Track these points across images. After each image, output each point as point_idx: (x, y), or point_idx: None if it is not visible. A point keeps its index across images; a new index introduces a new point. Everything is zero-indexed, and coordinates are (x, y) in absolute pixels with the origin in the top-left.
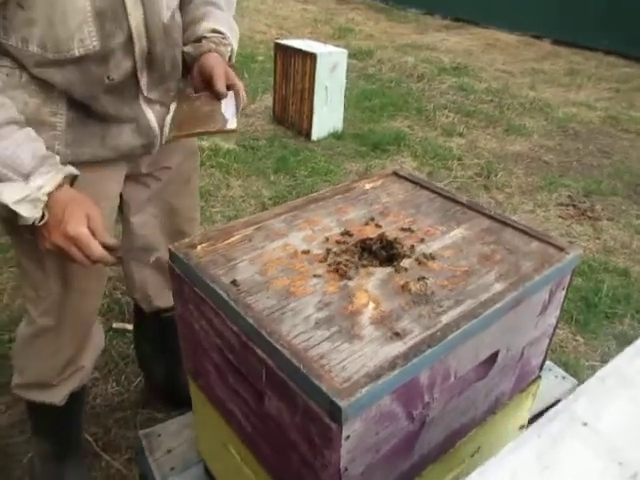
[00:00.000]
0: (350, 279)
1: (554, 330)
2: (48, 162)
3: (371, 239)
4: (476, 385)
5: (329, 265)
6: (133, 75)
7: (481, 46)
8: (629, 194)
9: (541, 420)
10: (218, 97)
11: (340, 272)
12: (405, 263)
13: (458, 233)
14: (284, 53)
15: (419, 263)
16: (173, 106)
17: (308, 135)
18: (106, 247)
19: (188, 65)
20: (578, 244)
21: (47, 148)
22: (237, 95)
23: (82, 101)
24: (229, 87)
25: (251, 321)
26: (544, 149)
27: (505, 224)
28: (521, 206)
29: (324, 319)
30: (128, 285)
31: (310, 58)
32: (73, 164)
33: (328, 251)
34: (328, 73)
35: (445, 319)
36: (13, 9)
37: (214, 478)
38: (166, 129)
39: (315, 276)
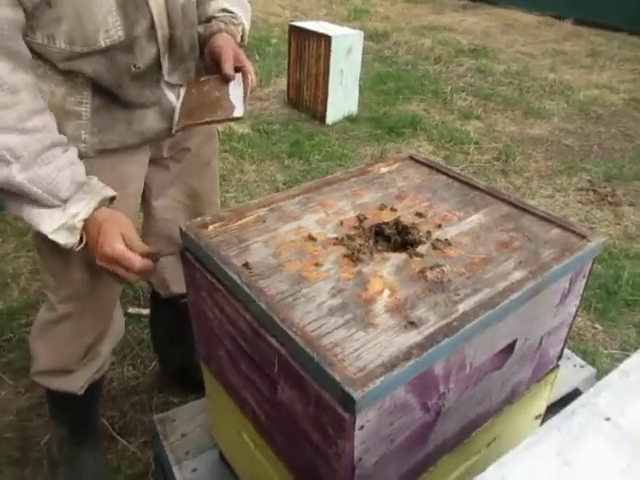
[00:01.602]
0: (364, 264)
1: (573, 319)
2: (83, 189)
3: (386, 223)
4: (493, 375)
5: (343, 250)
6: (156, 60)
7: (500, 27)
8: None
9: (562, 414)
10: (226, 79)
11: (354, 257)
12: (421, 249)
13: (476, 219)
14: (298, 35)
15: (435, 249)
16: (182, 90)
17: (323, 119)
18: (145, 255)
19: (200, 45)
20: (599, 231)
21: (74, 137)
22: (245, 77)
23: (108, 89)
24: (238, 69)
25: (263, 306)
26: (564, 132)
27: (524, 210)
28: (540, 191)
29: (338, 306)
30: None
31: (325, 40)
32: (101, 152)
33: (342, 235)
34: (343, 56)
35: (462, 308)
36: (41, 8)
37: (228, 463)
38: (175, 116)
39: (329, 261)
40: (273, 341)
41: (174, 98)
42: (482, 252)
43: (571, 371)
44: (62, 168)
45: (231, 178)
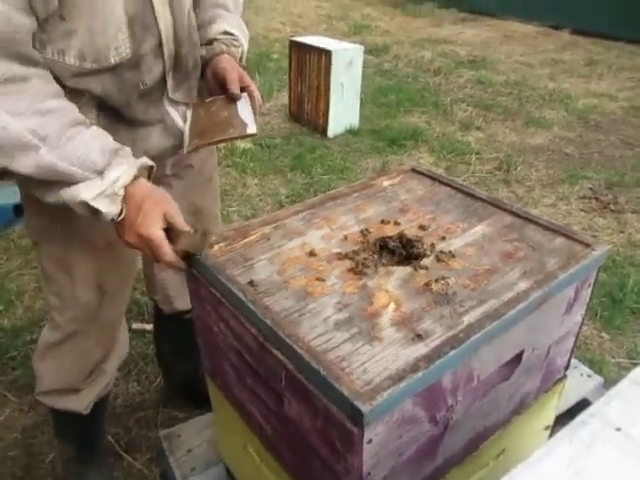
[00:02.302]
0: (369, 278)
1: (580, 328)
2: (120, 154)
3: (390, 237)
4: (501, 386)
5: (348, 264)
6: (162, 77)
7: (498, 38)
8: None
9: (572, 424)
10: (232, 99)
11: (359, 271)
12: (425, 262)
13: (479, 230)
14: (299, 50)
15: (440, 262)
16: (189, 113)
17: (324, 132)
18: (180, 254)
19: (201, 68)
20: (602, 239)
21: None
22: (252, 97)
23: (114, 107)
24: (243, 89)
25: (269, 323)
26: (565, 141)
27: (527, 220)
28: (542, 200)
29: (343, 320)
30: (148, 286)
31: (325, 55)
32: None
33: (346, 250)
34: (344, 69)
35: (467, 319)
36: (53, 21)
37: (235, 478)
38: (186, 138)
39: (333, 276)
40: (279, 354)
41: (177, 116)
42: (486, 263)
43: (579, 381)
44: (90, 141)
45: (234, 192)
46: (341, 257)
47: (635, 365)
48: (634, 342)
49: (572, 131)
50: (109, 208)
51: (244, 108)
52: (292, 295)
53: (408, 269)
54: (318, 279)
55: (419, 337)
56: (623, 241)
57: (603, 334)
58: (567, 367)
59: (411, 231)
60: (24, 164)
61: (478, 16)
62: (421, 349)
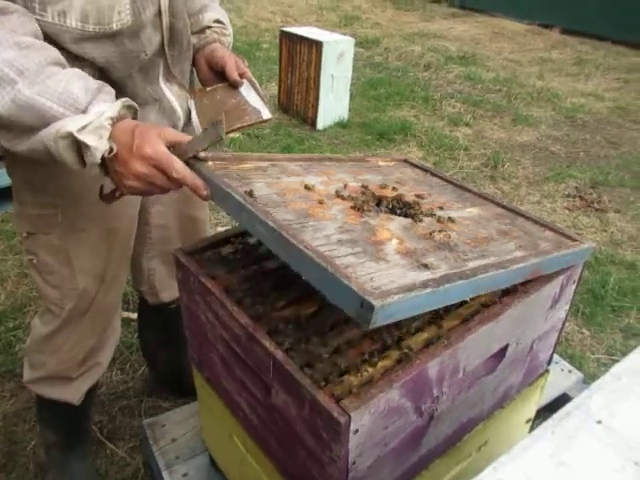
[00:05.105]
0: (371, 218)
1: (563, 324)
2: (104, 91)
3: (389, 197)
4: (485, 379)
5: (348, 204)
6: (160, 51)
7: (488, 35)
8: (637, 185)
9: (555, 417)
10: (235, 86)
11: (360, 209)
12: (425, 221)
13: (474, 211)
14: (290, 41)
15: (440, 222)
16: (192, 102)
17: (313, 124)
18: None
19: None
20: (586, 237)
21: None
22: (252, 82)
23: (117, 82)
24: (240, 76)
25: (271, 224)
26: (551, 139)
27: (517, 214)
28: (528, 197)
29: (346, 240)
30: (135, 277)
31: (316, 46)
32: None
33: (347, 193)
34: (334, 61)
35: (472, 265)
36: None
37: (219, 468)
38: (196, 126)
39: (335, 209)
40: (267, 344)
41: (172, 97)
42: (484, 233)
43: (559, 375)
44: (72, 78)
45: None
46: (341, 197)
47: (614, 361)
48: (613, 339)
49: (559, 130)
50: (96, 143)
51: (250, 94)
52: (292, 213)
53: (409, 220)
54: (319, 205)
55: (425, 266)
56: (605, 240)
57: (584, 330)
58: (550, 362)
59: (410, 197)
60: None
61: (469, 12)
62: (429, 275)
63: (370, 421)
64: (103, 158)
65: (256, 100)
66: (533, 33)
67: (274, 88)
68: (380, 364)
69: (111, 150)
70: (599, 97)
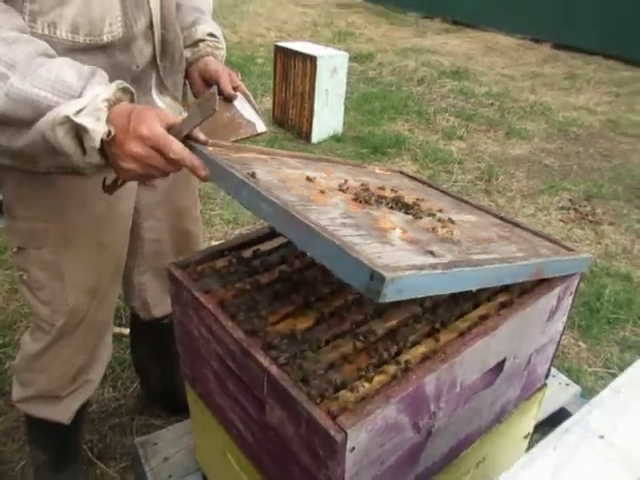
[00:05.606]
0: (373, 210)
1: (561, 337)
2: (97, 74)
3: (388, 197)
4: (483, 393)
5: (350, 196)
6: (152, 63)
7: (481, 49)
8: (630, 198)
9: (556, 432)
10: (229, 100)
11: (362, 201)
12: (425, 219)
13: (472, 218)
14: (284, 55)
15: (440, 221)
16: (185, 115)
17: (308, 137)
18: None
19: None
20: (581, 249)
21: None
22: (247, 95)
23: None
24: (234, 89)
25: (277, 202)
26: (545, 152)
27: (514, 225)
28: (522, 210)
29: (351, 224)
30: (127, 292)
31: (310, 61)
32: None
33: (347, 188)
34: (328, 76)
35: (477, 258)
36: None
37: None
38: (201, 109)
39: (337, 199)
40: (262, 359)
41: (164, 109)
42: (484, 235)
43: (557, 389)
44: (63, 65)
45: (216, 196)
46: (342, 190)
47: (611, 374)
48: (610, 351)
49: (552, 143)
50: (95, 125)
51: (244, 107)
52: (295, 196)
53: (410, 216)
54: (321, 193)
55: (431, 253)
56: (600, 252)
57: (580, 343)
58: (547, 375)
59: (409, 199)
60: None
61: (461, 27)
62: (436, 260)
63: (367, 438)
64: (102, 142)
65: (251, 113)
66: (525, 48)
67: (269, 102)
68: (376, 379)
69: (109, 133)
70: (591, 111)
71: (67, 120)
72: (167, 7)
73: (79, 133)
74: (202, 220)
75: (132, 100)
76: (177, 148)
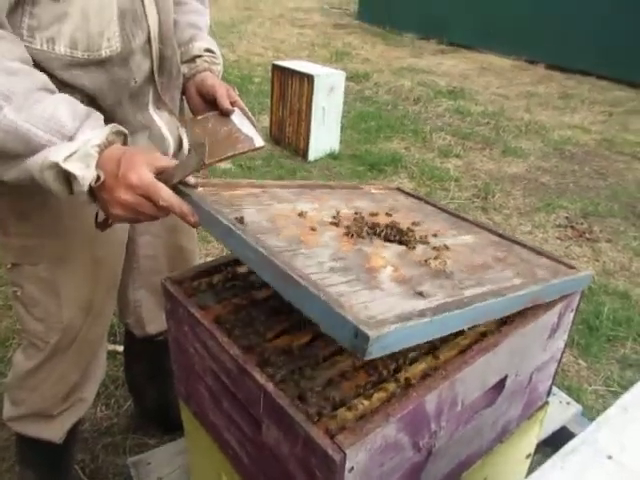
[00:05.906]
0: (364, 245)
1: (562, 354)
2: (92, 117)
3: (382, 224)
4: (484, 413)
5: (342, 231)
6: (150, 78)
7: (476, 70)
8: (626, 215)
9: (562, 451)
10: (227, 114)
11: (353, 235)
12: (419, 248)
13: (469, 238)
14: (282, 74)
15: (434, 249)
16: (183, 131)
17: (305, 155)
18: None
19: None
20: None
21: None
22: (244, 110)
23: (107, 109)
24: (232, 104)
25: (263, 251)
26: (541, 171)
27: (513, 242)
28: (519, 227)
29: (340, 268)
30: (121, 309)
31: (307, 79)
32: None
33: (340, 220)
34: (325, 95)
35: (468, 294)
36: (45, 3)
37: None
38: (191, 159)
39: (327, 236)
40: (258, 376)
41: (162, 124)
42: (480, 260)
43: (558, 408)
44: (59, 103)
45: None
46: (334, 224)
47: (611, 392)
48: (610, 369)
49: (548, 161)
50: (83, 172)
51: (242, 122)
52: (284, 240)
53: (403, 247)
54: (311, 231)
55: (421, 294)
56: (598, 269)
57: (580, 361)
58: (549, 394)
59: (403, 224)
60: None
61: (457, 48)
62: (425, 304)
63: (366, 458)
64: (91, 186)
65: (248, 128)
66: (520, 69)
67: (266, 120)
68: (376, 396)
69: (98, 178)
70: (585, 130)
71: (56, 165)
72: (165, 23)
73: (68, 178)
74: (198, 236)
75: (125, 142)
76: (166, 195)
